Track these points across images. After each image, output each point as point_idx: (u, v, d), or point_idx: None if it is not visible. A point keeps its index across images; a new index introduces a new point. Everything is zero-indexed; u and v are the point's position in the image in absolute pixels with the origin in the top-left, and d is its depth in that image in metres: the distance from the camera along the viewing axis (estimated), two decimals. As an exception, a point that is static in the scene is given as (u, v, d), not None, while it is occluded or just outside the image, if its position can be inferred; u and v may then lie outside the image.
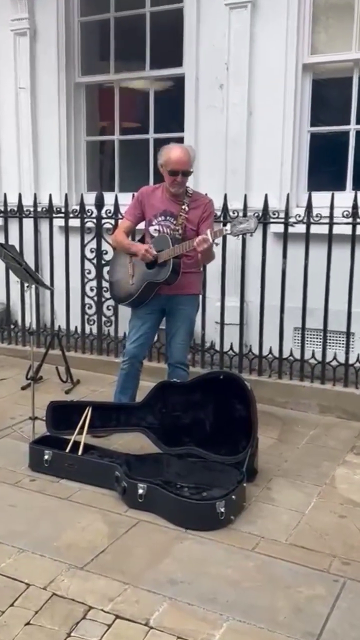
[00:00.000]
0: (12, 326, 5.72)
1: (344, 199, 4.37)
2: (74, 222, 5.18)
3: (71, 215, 5.19)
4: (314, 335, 4.65)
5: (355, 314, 4.36)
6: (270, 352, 4.59)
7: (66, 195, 5.34)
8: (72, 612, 2.33)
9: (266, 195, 4.44)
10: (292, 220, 4.37)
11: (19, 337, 5.66)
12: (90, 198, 5.19)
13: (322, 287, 4.32)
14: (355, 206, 4.19)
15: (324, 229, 4.31)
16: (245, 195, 4.58)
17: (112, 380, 4.33)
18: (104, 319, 5.19)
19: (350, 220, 4.21)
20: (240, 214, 4.34)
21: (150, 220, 3.78)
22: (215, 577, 2.54)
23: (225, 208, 4.55)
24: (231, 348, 4.73)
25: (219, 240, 3.76)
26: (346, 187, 4.83)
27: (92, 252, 5.14)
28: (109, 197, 5.08)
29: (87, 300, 5.23)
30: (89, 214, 5.09)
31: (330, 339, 4.55)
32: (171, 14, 5.29)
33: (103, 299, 5.13)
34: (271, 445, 3.82)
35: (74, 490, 3.24)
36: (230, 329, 4.70)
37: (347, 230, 4.25)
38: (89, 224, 5.13)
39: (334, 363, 4.42)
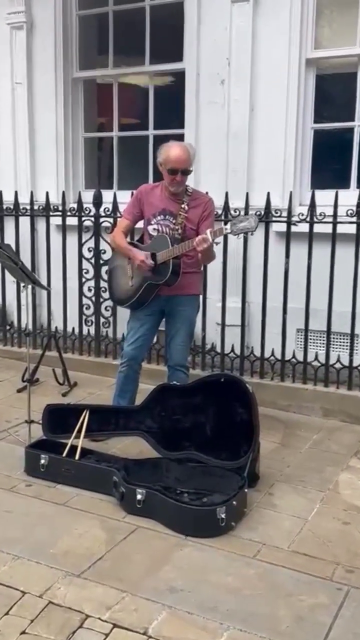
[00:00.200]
0: (8, 327, 5.70)
1: (348, 197, 4.34)
2: (72, 221, 5.15)
3: (69, 213, 5.16)
4: (317, 336, 4.66)
5: (359, 315, 4.32)
6: (273, 354, 4.58)
7: (63, 193, 5.31)
8: (69, 621, 2.31)
9: (268, 194, 4.42)
10: (295, 219, 4.35)
11: (15, 338, 5.65)
12: (88, 196, 5.16)
13: (326, 287, 4.31)
14: (359, 205, 4.15)
15: (327, 228, 4.28)
16: (247, 194, 4.57)
17: (110, 383, 4.33)
18: (102, 320, 5.17)
19: (354, 219, 4.19)
20: (242, 212, 4.32)
21: (149, 220, 3.76)
22: (216, 585, 2.52)
23: (226, 207, 4.53)
24: (232, 350, 4.71)
25: (220, 239, 3.74)
26: (350, 185, 4.81)
27: (90, 251, 5.11)
28: (107, 195, 5.06)
29: (84, 300, 5.21)
30: (86, 212, 5.06)
31: (333, 341, 4.53)
32: (171, 7, 5.25)
33: (101, 300, 5.12)
34: (273, 449, 3.80)
35: (71, 496, 3.22)
36: (232, 331, 4.68)
37: (351, 229, 4.23)
38: (87, 223, 5.10)
39: (338, 365, 4.40)
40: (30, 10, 5.68)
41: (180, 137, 4.96)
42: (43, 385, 4.82)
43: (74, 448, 3.41)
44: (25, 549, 2.73)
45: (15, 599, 2.42)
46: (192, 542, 2.81)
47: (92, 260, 5.09)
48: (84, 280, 5.15)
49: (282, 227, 4.45)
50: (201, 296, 4.08)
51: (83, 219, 5.08)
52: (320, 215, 4.25)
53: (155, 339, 4.33)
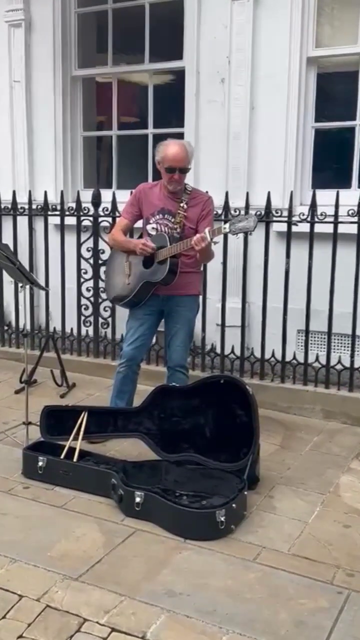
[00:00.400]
0: (6, 328, 5.68)
1: (350, 197, 4.31)
2: (70, 220, 5.13)
3: (67, 213, 5.14)
4: (318, 338, 4.66)
5: (360, 316, 4.32)
6: (273, 355, 4.56)
7: (62, 192, 5.30)
8: (67, 625, 2.30)
9: (269, 193, 4.40)
10: (295, 219, 4.34)
11: (12, 339, 5.62)
12: (86, 195, 5.13)
13: (327, 288, 4.30)
14: (361, 204, 4.16)
15: (328, 228, 4.26)
16: (248, 193, 4.56)
17: (109, 384, 4.30)
18: (101, 320, 5.16)
19: (355, 219, 4.17)
20: (242, 212, 4.31)
21: (147, 219, 3.75)
22: (215, 589, 2.51)
23: (226, 206, 4.52)
24: (232, 351, 4.69)
25: (219, 239, 3.74)
26: (351, 185, 4.79)
27: (88, 251, 5.09)
28: (106, 194, 5.03)
29: (83, 301, 5.18)
30: (85, 211, 5.04)
31: (334, 342, 4.52)
32: (171, 5, 5.24)
33: (100, 300, 5.10)
34: (273, 451, 3.79)
35: (68, 498, 3.20)
36: (232, 331, 4.66)
37: (352, 229, 4.21)
38: (86, 222, 5.08)
39: (339, 367, 4.38)
40: (29, 7, 5.67)
41: (180, 136, 4.92)
42: (41, 387, 4.81)
43: (72, 450, 3.40)
44: (23, 552, 2.72)
45: (12, 602, 2.40)
46: (191, 545, 2.79)
47: (91, 260, 5.08)
48: (82, 280, 5.13)
49: (283, 227, 4.44)
50: (201, 296, 4.06)
51: (82, 218, 5.07)
52: (321, 215, 4.24)
53: (154, 340, 4.31)
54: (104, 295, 4.87)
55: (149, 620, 2.31)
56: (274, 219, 4.41)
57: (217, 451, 3.34)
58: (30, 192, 5.43)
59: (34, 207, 5.31)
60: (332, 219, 4.21)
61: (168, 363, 3.91)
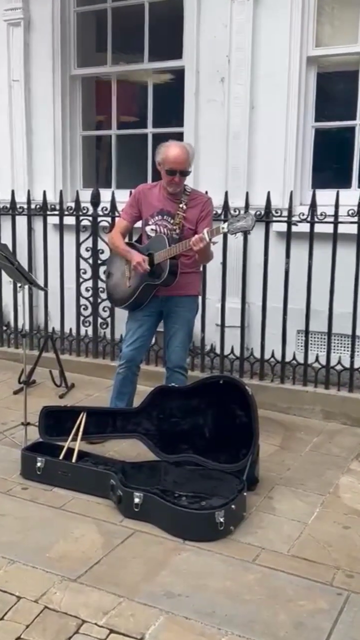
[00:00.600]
0: (5, 328, 5.67)
1: (350, 196, 4.30)
2: (69, 220, 5.12)
3: (66, 212, 5.13)
4: (317, 338, 4.65)
5: (360, 316, 4.31)
6: (273, 355, 4.55)
7: (61, 192, 5.28)
8: (65, 627, 2.29)
9: (269, 193, 4.39)
10: (295, 219, 4.33)
11: (11, 339, 5.62)
12: (86, 195, 5.12)
13: (327, 288, 4.29)
14: (361, 204, 4.15)
15: (328, 228, 4.25)
16: (247, 193, 4.54)
17: (108, 385, 4.31)
18: (100, 320, 5.15)
19: (355, 219, 4.16)
20: (242, 212, 4.23)
21: (147, 220, 3.74)
22: (214, 590, 2.50)
23: (226, 206, 4.51)
24: (232, 351, 4.68)
25: (218, 239, 3.73)
26: (352, 185, 4.78)
27: (87, 251, 5.08)
28: (105, 194, 5.02)
29: (82, 301, 5.18)
30: (84, 211, 5.03)
31: (334, 342, 4.51)
32: (171, 4, 5.22)
33: (99, 300, 5.09)
34: (273, 452, 3.79)
35: (67, 499, 3.20)
36: (231, 332, 4.65)
37: (352, 229, 4.20)
38: (85, 222, 5.08)
39: (339, 367, 4.37)
40: (28, 6, 5.65)
41: (179, 136, 4.93)
42: (40, 387, 4.80)
43: (70, 451, 3.40)
44: (21, 553, 2.71)
45: (10, 604, 2.40)
46: (190, 546, 2.79)
47: (90, 260, 5.07)
48: (81, 280, 5.12)
49: (283, 227, 4.42)
50: (200, 297, 4.05)
51: (81, 218, 5.05)
52: (321, 215, 4.23)
53: (153, 341, 4.30)
54: (103, 295, 4.88)
55: (148, 622, 2.31)
56: (274, 218, 4.40)
57: (217, 452, 3.34)
58: (29, 191, 5.42)
59: (33, 206, 5.30)
60: (332, 219, 4.20)
61: (167, 364, 3.91)
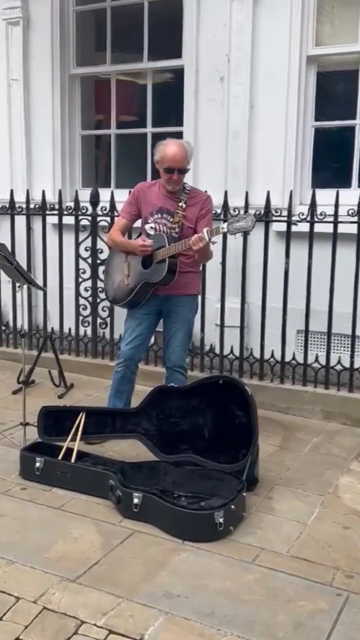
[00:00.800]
0: (4, 328, 5.67)
1: (349, 196, 4.30)
2: (68, 220, 5.11)
3: (65, 212, 5.12)
4: (317, 338, 4.64)
5: (360, 316, 4.31)
6: (272, 355, 4.55)
7: (60, 191, 5.27)
8: (64, 627, 2.29)
9: (268, 193, 4.39)
10: (295, 218, 4.33)
11: (10, 339, 5.61)
12: (85, 194, 5.12)
13: (326, 288, 4.29)
14: (361, 204, 4.14)
15: (328, 228, 4.25)
16: (247, 193, 4.54)
17: (107, 385, 4.28)
18: (99, 320, 5.14)
19: (355, 218, 4.16)
20: (242, 211, 4.24)
21: (146, 218, 3.74)
22: (213, 591, 2.50)
23: (225, 205, 4.50)
24: (231, 351, 4.68)
25: (217, 238, 3.72)
26: (351, 184, 4.77)
27: (87, 250, 5.08)
28: (104, 194, 5.02)
29: (81, 301, 5.17)
30: (83, 211, 5.03)
31: (334, 342, 4.50)
32: (170, 3, 5.21)
33: (98, 300, 5.09)
34: (272, 452, 3.79)
35: (66, 500, 3.19)
36: (231, 332, 4.65)
37: (352, 229, 4.20)
38: (84, 222, 5.07)
39: (339, 367, 4.37)
40: (27, 5, 5.64)
41: (179, 135, 4.91)
42: (39, 387, 4.80)
43: (69, 451, 3.40)
44: (20, 553, 2.71)
45: (9, 604, 2.40)
46: (190, 546, 2.78)
47: (89, 260, 5.06)
48: (80, 280, 5.12)
49: (282, 226, 4.42)
50: (200, 296, 4.04)
51: (80, 218, 5.05)
52: (321, 214, 4.22)
53: (152, 340, 4.29)
54: (102, 295, 4.87)
55: (147, 622, 2.30)
56: (274, 218, 4.40)
57: (216, 452, 3.34)
58: (28, 191, 5.41)
59: (32, 206, 5.29)
60: (331, 219, 4.20)
61: (167, 363, 3.90)
